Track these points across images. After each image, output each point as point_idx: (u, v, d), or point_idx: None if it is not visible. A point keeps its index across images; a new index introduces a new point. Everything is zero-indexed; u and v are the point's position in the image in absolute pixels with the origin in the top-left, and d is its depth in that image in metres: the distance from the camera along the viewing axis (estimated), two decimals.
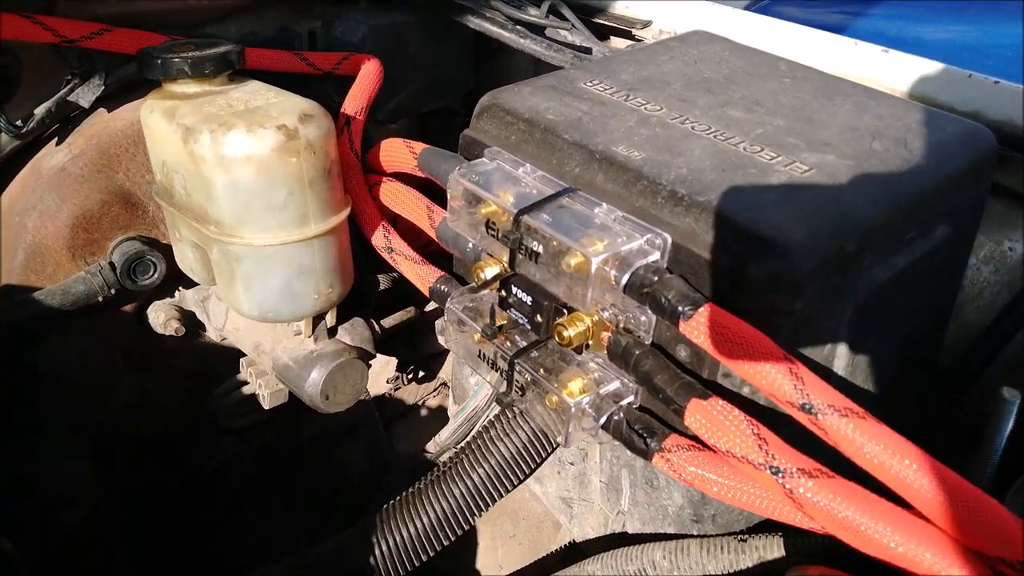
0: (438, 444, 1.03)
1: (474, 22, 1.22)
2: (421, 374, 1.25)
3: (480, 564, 1.07)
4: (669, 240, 0.71)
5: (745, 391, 0.72)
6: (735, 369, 0.65)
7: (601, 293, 0.71)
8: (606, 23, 1.41)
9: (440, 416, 1.26)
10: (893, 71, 1.11)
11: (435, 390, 1.25)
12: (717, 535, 0.81)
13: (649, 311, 0.72)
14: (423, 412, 1.25)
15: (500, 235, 0.77)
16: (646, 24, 1.38)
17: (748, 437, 0.63)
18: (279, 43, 1.23)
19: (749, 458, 0.63)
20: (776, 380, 0.62)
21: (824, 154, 0.82)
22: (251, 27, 1.23)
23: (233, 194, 0.81)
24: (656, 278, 0.69)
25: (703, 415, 0.66)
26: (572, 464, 0.99)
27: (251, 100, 0.87)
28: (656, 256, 0.71)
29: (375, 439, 1.16)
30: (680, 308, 0.66)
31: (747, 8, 3.15)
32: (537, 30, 1.27)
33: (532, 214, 0.74)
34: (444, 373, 1.29)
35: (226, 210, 0.83)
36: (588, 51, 1.27)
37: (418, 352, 1.26)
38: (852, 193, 0.75)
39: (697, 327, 0.66)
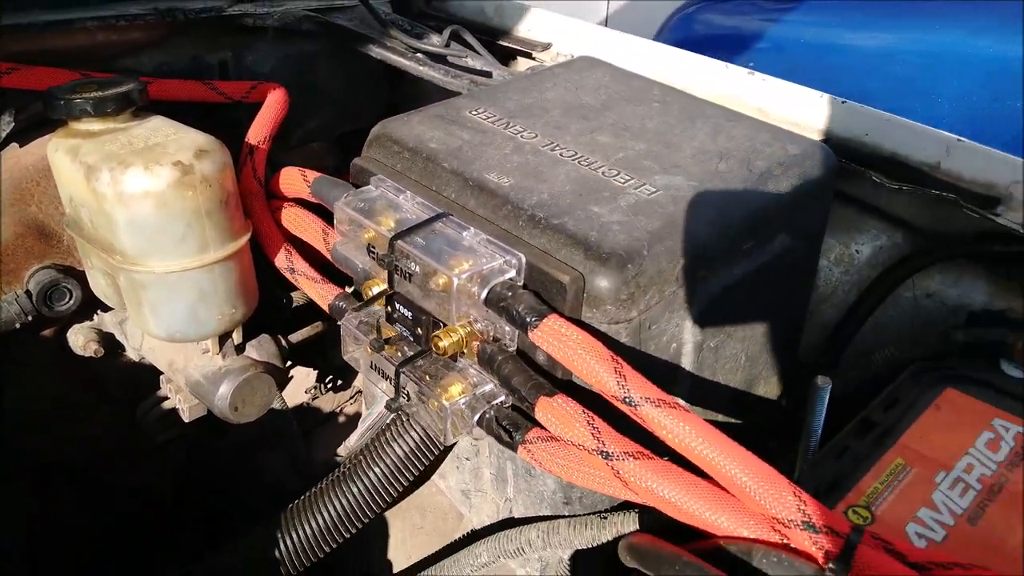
0: (347, 448, 1.11)
1: (376, 51, 1.30)
2: (338, 383, 1.33)
3: (392, 555, 1.15)
4: (524, 259, 0.80)
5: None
6: (572, 370, 0.74)
7: (464, 308, 0.80)
8: (510, 46, 1.50)
9: (356, 422, 1.34)
10: (757, 93, 1.22)
11: (351, 398, 1.33)
12: (584, 514, 0.90)
13: (513, 323, 0.81)
14: (340, 419, 1.33)
15: (379, 258, 0.85)
16: (546, 47, 1.47)
17: (584, 427, 0.73)
18: (192, 73, 1.30)
19: (585, 445, 0.72)
20: (602, 378, 0.71)
21: (673, 176, 0.92)
22: (164, 58, 1.29)
23: (134, 228, 0.89)
24: (510, 293, 0.78)
25: (548, 410, 0.75)
26: (467, 459, 1.08)
27: (151, 137, 0.94)
28: (512, 274, 0.81)
29: (295, 447, 1.24)
30: (528, 319, 0.76)
31: (677, 12, 3.28)
32: (439, 57, 1.35)
33: (406, 239, 0.83)
34: (358, 382, 1.38)
35: (128, 242, 0.90)
36: (488, 75, 1.36)
37: (333, 363, 1.34)
38: (690, 213, 0.85)
39: (542, 335, 0.75)
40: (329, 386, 1.32)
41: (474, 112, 1.05)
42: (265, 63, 1.32)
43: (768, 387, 1.08)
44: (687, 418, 0.69)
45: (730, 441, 0.68)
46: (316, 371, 1.32)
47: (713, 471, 0.68)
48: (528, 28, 1.51)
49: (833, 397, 1.00)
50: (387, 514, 1.17)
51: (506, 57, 1.53)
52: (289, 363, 1.33)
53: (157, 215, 0.88)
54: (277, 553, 0.91)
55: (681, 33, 3.26)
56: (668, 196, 0.87)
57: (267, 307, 1.09)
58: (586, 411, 0.74)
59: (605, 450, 0.71)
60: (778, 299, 1.01)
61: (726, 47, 3.07)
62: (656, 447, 0.72)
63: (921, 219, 1.07)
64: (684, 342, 0.89)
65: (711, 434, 0.68)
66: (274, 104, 1.17)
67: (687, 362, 0.90)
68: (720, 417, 1.00)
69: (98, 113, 0.95)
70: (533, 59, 1.48)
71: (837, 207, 1.11)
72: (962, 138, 1.02)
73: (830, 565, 0.62)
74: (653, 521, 0.80)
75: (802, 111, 1.15)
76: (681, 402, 0.71)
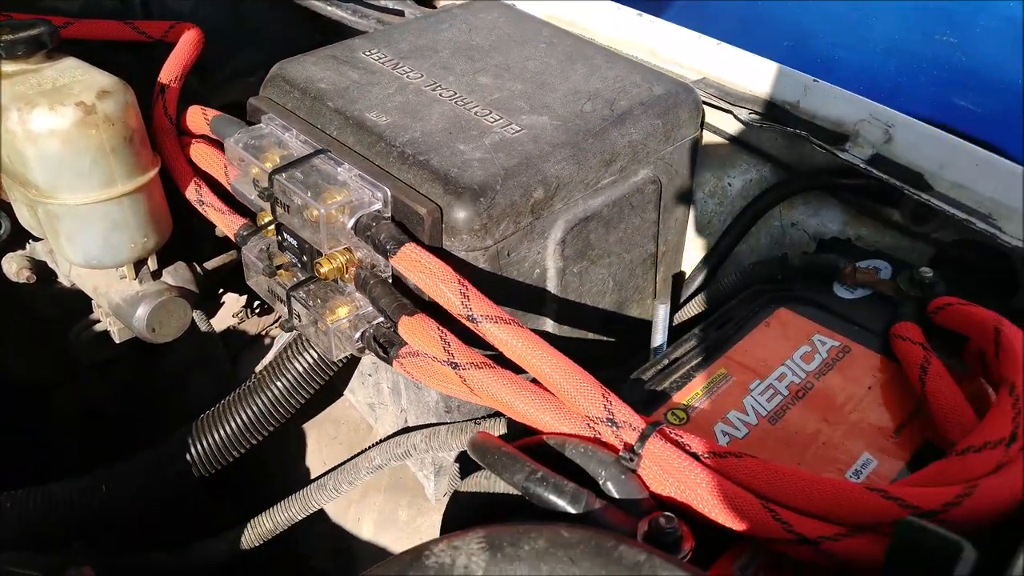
0: (263, 366, 1.22)
1: None
2: (264, 308, 1.43)
3: (309, 463, 1.28)
4: (389, 193, 0.89)
5: None
6: (425, 291, 0.84)
7: (335, 236, 0.89)
8: None
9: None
10: (647, 34, 1.28)
11: (275, 321, 1.43)
12: (462, 421, 1.02)
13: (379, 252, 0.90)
14: (266, 341, 1.43)
15: (262, 191, 0.94)
16: None
17: (437, 342, 0.83)
18: (117, 14, 1.35)
19: (437, 357, 0.83)
20: (449, 298, 0.81)
21: (540, 116, 1.00)
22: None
23: (44, 163, 0.97)
24: (375, 224, 0.88)
25: (408, 327, 0.85)
26: (370, 375, 1.19)
27: (59, 79, 1.01)
28: (379, 206, 0.90)
29: (220, 368, 1.34)
30: (388, 246, 0.85)
31: None
32: None
33: (284, 174, 0.91)
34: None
35: (41, 177, 0.98)
36: (401, 13, 1.42)
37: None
38: (546, 151, 0.94)
39: (399, 261, 0.85)
40: (256, 311, 1.42)
41: (367, 53, 1.12)
42: (186, 3, 1.37)
43: (642, 309, 1.18)
44: (519, 332, 0.80)
45: (556, 352, 0.79)
46: (244, 296, 1.41)
47: (541, 376, 0.79)
48: None
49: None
50: (305, 426, 1.29)
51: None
52: (221, 290, 1.43)
53: (63, 152, 0.96)
54: (188, 457, 1.03)
55: None
56: (530, 135, 0.96)
57: (184, 236, 1.17)
58: (440, 327, 0.84)
59: (454, 361, 0.82)
60: (643, 228, 1.10)
61: None
62: (504, 363, 0.83)
63: (785, 155, 1.16)
64: (547, 268, 0.99)
65: (538, 345, 0.79)
66: (187, 43, 1.23)
67: (552, 286, 1.00)
68: (591, 336, 1.11)
69: (9, 55, 1.01)
70: None
71: (710, 143, 1.19)
72: (818, 79, 1.10)
73: (622, 453, 0.73)
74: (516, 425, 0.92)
75: (682, 52, 1.23)
76: (516, 320, 0.81)
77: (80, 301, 1.26)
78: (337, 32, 1.56)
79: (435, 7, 1.58)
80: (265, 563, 1.19)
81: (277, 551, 1.17)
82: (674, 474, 0.71)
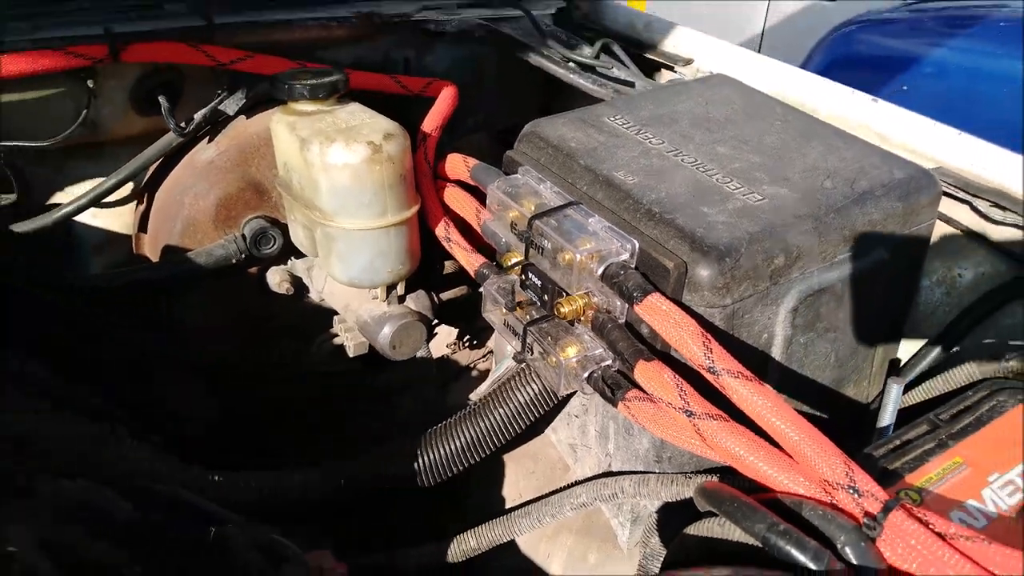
0: (478, 395, 1.31)
1: (535, 59, 1.49)
2: (474, 343, 1.54)
3: (506, 493, 1.34)
4: (637, 245, 0.96)
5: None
6: (667, 340, 0.90)
7: (584, 281, 0.97)
8: (654, 59, 1.65)
9: (485, 376, 1.54)
10: (880, 119, 1.30)
11: (483, 356, 1.53)
12: (672, 473, 1.05)
13: (622, 297, 0.97)
14: (473, 373, 1.53)
15: (520, 233, 1.04)
16: (688, 62, 1.61)
17: (673, 389, 0.88)
18: (381, 67, 1.54)
19: (673, 404, 0.87)
20: (692, 348, 0.86)
21: (780, 187, 1.04)
22: (360, 53, 1.53)
23: (332, 192, 1.12)
24: (623, 272, 0.95)
25: (645, 372, 0.91)
26: (576, 416, 1.25)
27: (350, 120, 1.17)
28: (626, 256, 0.96)
29: (430, 392, 1.45)
30: (634, 294, 0.92)
31: (838, 29, 3.27)
32: (589, 67, 1.52)
33: (542, 219, 1.00)
34: (491, 342, 1.57)
35: (327, 202, 1.13)
36: (632, 84, 1.52)
37: (472, 325, 1.54)
38: (788, 221, 0.98)
39: (644, 309, 0.91)
40: (466, 344, 1.53)
41: (611, 118, 1.21)
42: (441, 62, 1.54)
43: (857, 390, 1.17)
44: (760, 389, 0.83)
45: (795, 413, 0.81)
46: (457, 330, 1.53)
47: (778, 436, 0.81)
48: (673, 44, 1.65)
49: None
50: (505, 458, 1.36)
51: (651, 69, 1.68)
52: (436, 320, 1.56)
53: (351, 183, 1.11)
54: (415, 466, 1.12)
55: (841, 49, 3.26)
56: (772, 205, 1.00)
57: (425, 268, 1.30)
58: (676, 375, 0.89)
59: (689, 409, 0.86)
60: (871, 308, 1.11)
61: (884, 67, 3.05)
62: (736, 417, 0.86)
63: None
64: (775, 334, 1.01)
65: (779, 404, 0.82)
66: (446, 99, 1.38)
67: (777, 353, 1.03)
68: (806, 409, 1.11)
69: (312, 97, 1.19)
70: (675, 72, 1.62)
71: (943, 231, 1.18)
72: None
73: (865, 521, 0.74)
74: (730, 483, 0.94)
75: (918, 139, 1.23)
76: (757, 378, 0.84)
77: (322, 317, 1.42)
78: (563, 93, 1.70)
79: (654, 77, 1.68)
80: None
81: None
82: (919, 550, 0.71)
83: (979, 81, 2.80)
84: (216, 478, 1.04)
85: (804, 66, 3.36)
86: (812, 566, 0.70)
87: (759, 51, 4.12)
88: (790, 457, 0.81)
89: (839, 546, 0.73)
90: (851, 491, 0.76)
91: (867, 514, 0.75)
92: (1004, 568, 0.70)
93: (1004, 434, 0.92)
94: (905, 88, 2.88)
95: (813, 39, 3.40)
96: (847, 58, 3.16)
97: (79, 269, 1.47)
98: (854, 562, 0.72)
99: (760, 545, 0.75)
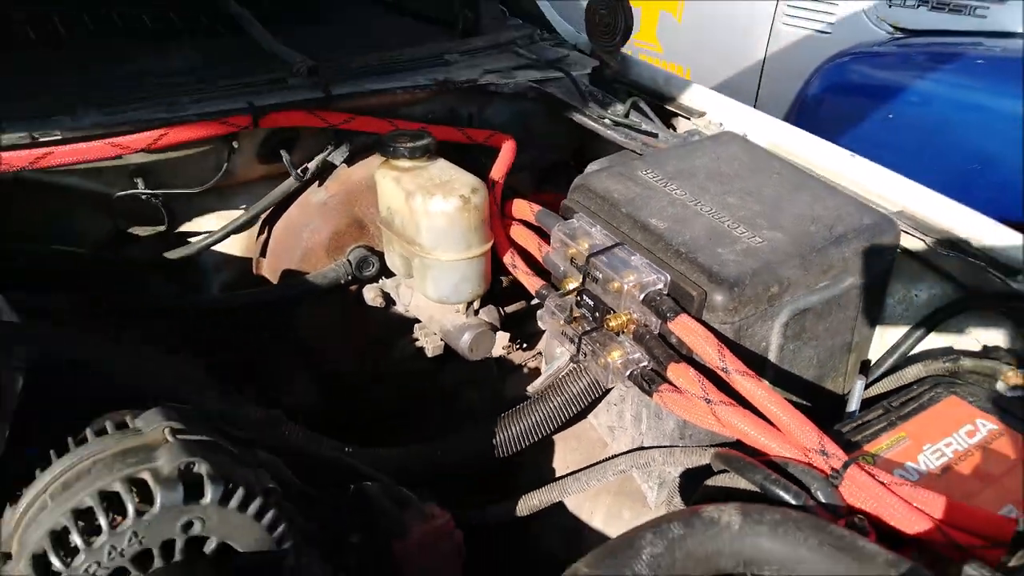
0: (533, 388, 1.64)
1: (576, 116, 1.82)
2: (524, 346, 1.87)
3: (554, 464, 1.68)
4: (669, 278, 1.30)
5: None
6: (692, 348, 1.23)
7: (628, 303, 1.31)
8: (673, 110, 1.98)
9: (536, 374, 1.87)
10: (856, 172, 1.63)
11: (533, 356, 1.86)
12: (692, 446, 1.39)
13: (657, 316, 1.31)
14: (524, 370, 1.87)
15: (578, 266, 1.37)
16: (701, 114, 1.94)
17: (696, 384, 1.21)
18: (447, 120, 1.87)
19: (696, 394, 1.21)
20: (711, 354, 1.20)
21: (776, 232, 1.38)
22: (431, 108, 1.86)
23: (431, 232, 1.46)
24: (659, 298, 1.28)
25: (675, 371, 1.24)
26: (615, 404, 1.59)
27: (442, 175, 1.51)
28: (661, 285, 1.30)
29: (492, 386, 1.79)
30: (668, 314, 1.26)
31: (831, 60, 3.60)
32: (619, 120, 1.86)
33: (597, 257, 1.34)
34: (540, 346, 1.91)
35: (426, 240, 1.47)
36: (655, 135, 1.85)
37: (524, 331, 1.88)
38: (781, 259, 1.32)
39: (675, 326, 1.25)
40: (519, 347, 1.87)
41: (643, 172, 1.55)
42: (499, 116, 1.88)
43: (834, 384, 1.51)
44: (759, 384, 1.17)
45: (785, 401, 1.15)
46: (509, 335, 1.87)
47: (772, 417, 1.15)
48: (689, 98, 1.99)
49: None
50: (555, 438, 1.70)
51: (670, 117, 2.01)
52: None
53: (446, 226, 1.45)
54: (492, 443, 1.46)
55: (835, 77, 3.58)
56: (769, 246, 1.34)
57: (492, 288, 1.64)
58: (698, 373, 1.23)
59: (708, 398, 1.20)
60: (845, 323, 1.44)
61: (873, 95, 3.38)
62: (742, 404, 1.20)
63: (965, 277, 1.46)
64: (771, 343, 1.35)
65: (773, 395, 1.15)
66: (508, 152, 1.71)
67: (772, 356, 1.36)
68: (794, 399, 1.45)
69: (411, 156, 1.52)
70: (690, 121, 1.96)
71: (903, 261, 1.52)
72: (998, 223, 1.41)
73: (831, 474, 1.08)
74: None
75: (886, 188, 1.57)
76: (756, 375, 1.18)
77: (405, 326, 1.76)
78: (595, 140, 2.03)
79: (672, 124, 2.01)
80: (514, 535, 1.59)
81: (517, 532, 1.58)
82: (867, 493, 1.05)
83: (956, 110, 3.13)
84: (348, 450, 1.38)
85: (803, 91, 3.70)
86: (794, 502, 1.04)
87: (761, 74, 4.45)
88: (780, 432, 1.14)
89: (813, 490, 1.07)
90: (822, 454, 1.10)
91: (833, 470, 1.08)
92: (925, 505, 1.04)
93: (937, 417, 1.26)
94: (891, 115, 3.21)
95: (810, 66, 3.73)
96: (840, 86, 3.49)
97: (201, 286, 1.81)
98: (823, 501, 1.06)
99: (759, 490, 1.09)
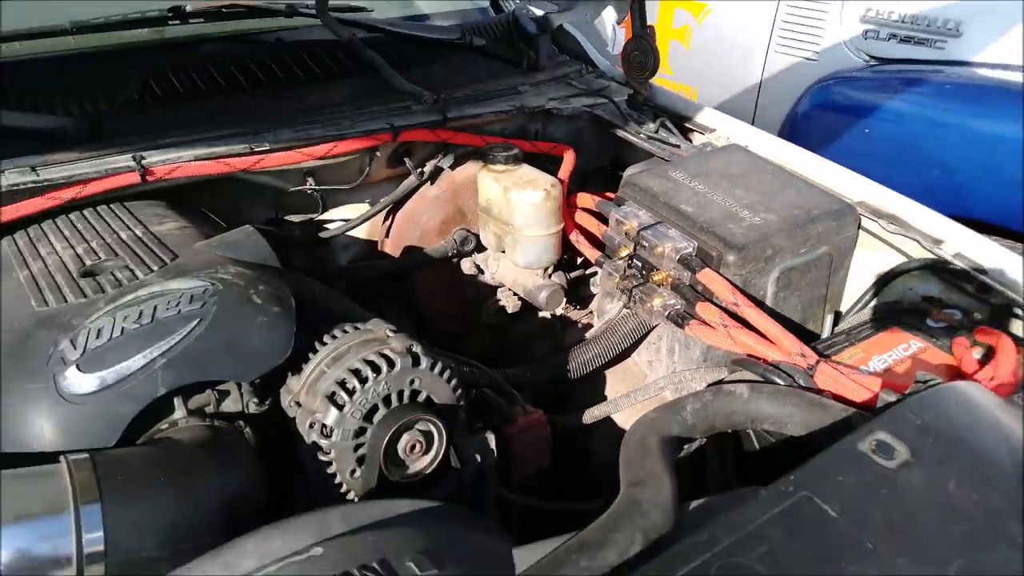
0: (593, 333, 2.21)
1: (619, 132, 2.40)
2: (578, 307, 2.44)
3: (607, 393, 2.24)
4: (696, 244, 1.87)
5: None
6: (713, 291, 1.80)
7: (667, 263, 1.88)
8: (691, 127, 2.56)
9: (587, 327, 2.43)
10: (830, 174, 2.21)
11: (586, 313, 2.43)
12: (710, 367, 1.96)
13: (688, 270, 1.87)
14: (579, 325, 2.44)
15: (630, 238, 1.94)
16: (713, 130, 2.52)
17: (716, 316, 1.78)
18: (518, 135, 2.45)
19: (716, 324, 1.78)
20: (726, 295, 1.77)
21: (770, 214, 1.95)
22: (505, 125, 2.44)
23: (523, 216, 2.03)
24: (690, 258, 1.86)
25: (702, 309, 1.81)
26: (653, 343, 2.15)
27: (529, 175, 2.08)
28: (691, 249, 1.87)
29: (556, 335, 2.36)
30: (695, 267, 1.83)
31: (818, 83, 4.20)
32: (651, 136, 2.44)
33: (644, 231, 1.91)
34: (592, 306, 2.47)
35: (518, 221, 2.04)
36: (678, 146, 2.43)
37: (579, 294, 2.45)
38: (773, 232, 1.89)
39: (701, 276, 1.82)
40: (576, 307, 2.44)
41: (673, 173, 2.12)
42: (558, 132, 2.46)
43: (814, 325, 2.08)
44: (758, 312, 1.74)
45: (776, 322, 1.72)
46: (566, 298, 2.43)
47: (767, 333, 1.72)
48: (703, 118, 2.56)
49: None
50: (606, 372, 2.26)
51: (689, 132, 2.59)
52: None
53: (533, 212, 2.02)
54: (568, 367, 2.03)
55: (820, 98, 4.17)
56: (765, 223, 1.91)
57: (561, 259, 2.21)
58: (718, 309, 1.80)
59: (725, 324, 1.77)
60: (820, 279, 2.01)
61: (855, 113, 3.97)
62: (748, 328, 1.76)
63: (906, 248, 2.03)
64: (767, 290, 1.92)
65: (768, 319, 1.72)
66: (570, 159, 2.29)
67: (768, 302, 1.93)
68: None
69: (507, 163, 2.10)
70: (703, 136, 2.54)
71: (863, 236, 2.09)
72: (931, 210, 1.99)
73: (807, 368, 1.65)
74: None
75: (852, 188, 2.14)
76: (755, 307, 1.75)
77: (490, 289, 2.33)
78: (629, 149, 2.61)
79: (691, 138, 2.59)
80: (568, 448, 2.15)
81: (571, 445, 2.14)
82: (830, 378, 1.62)
83: (924, 127, 3.72)
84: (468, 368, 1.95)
85: (794, 109, 4.29)
86: (781, 383, 1.61)
87: (758, 94, 5.05)
88: (773, 343, 1.71)
89: (796, 377, 1.64)
90: (802, 356, 1.67)
91: (809, 366, 1.66)
92: (867, 385, 1.60)
93: (883, 339, 1.83)
94: (867, 130, 3.80)
95: (800, 88, 4.32)
96: (824, 105, 4.08)
97: (329, 261, 2.37)
98: (801, 384, 1.63)
99: (760, 379, 1.65)
